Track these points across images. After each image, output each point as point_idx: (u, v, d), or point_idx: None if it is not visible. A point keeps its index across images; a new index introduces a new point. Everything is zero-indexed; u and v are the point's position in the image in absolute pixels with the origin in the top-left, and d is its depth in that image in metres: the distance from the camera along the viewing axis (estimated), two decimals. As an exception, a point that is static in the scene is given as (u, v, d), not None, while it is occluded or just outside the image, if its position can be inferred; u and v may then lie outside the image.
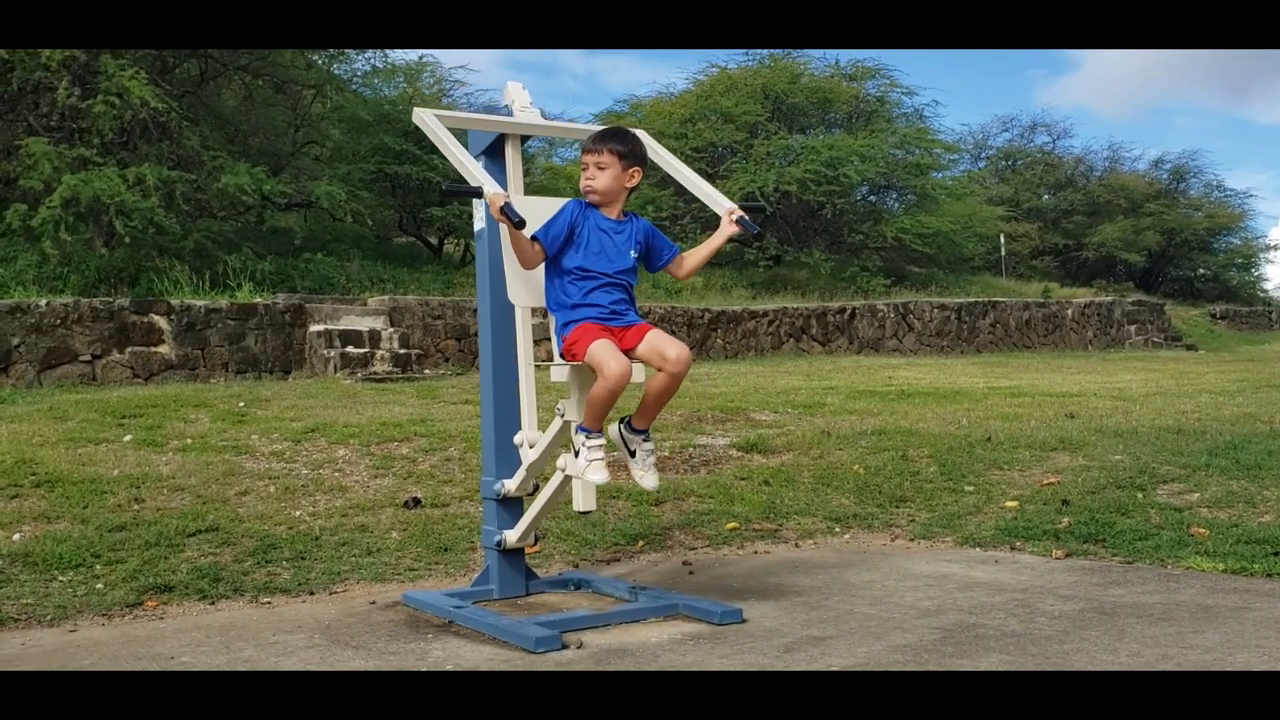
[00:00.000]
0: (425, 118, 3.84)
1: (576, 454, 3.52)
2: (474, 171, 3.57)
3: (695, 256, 3.80)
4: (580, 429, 3.50)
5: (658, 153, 4.02)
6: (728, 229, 3.77)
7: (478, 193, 3.51)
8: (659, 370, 3.44)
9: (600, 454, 3.48)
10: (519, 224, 3.37)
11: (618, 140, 3.64)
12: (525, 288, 3.73)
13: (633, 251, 3.62)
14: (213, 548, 4.51)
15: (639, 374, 3.46)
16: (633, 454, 3.58)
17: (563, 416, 3.58)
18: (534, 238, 3.52)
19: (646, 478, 3.56)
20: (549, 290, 3.63)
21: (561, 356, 3.56)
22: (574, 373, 3.52)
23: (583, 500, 3.55)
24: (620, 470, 3.79)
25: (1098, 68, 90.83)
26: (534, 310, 3.84)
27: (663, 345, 3.44)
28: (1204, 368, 13.95)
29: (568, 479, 3.62)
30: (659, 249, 3.75)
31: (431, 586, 4.15)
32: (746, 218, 3.74)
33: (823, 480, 5.83)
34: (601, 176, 3.60)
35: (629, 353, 3.47)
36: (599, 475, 3.47)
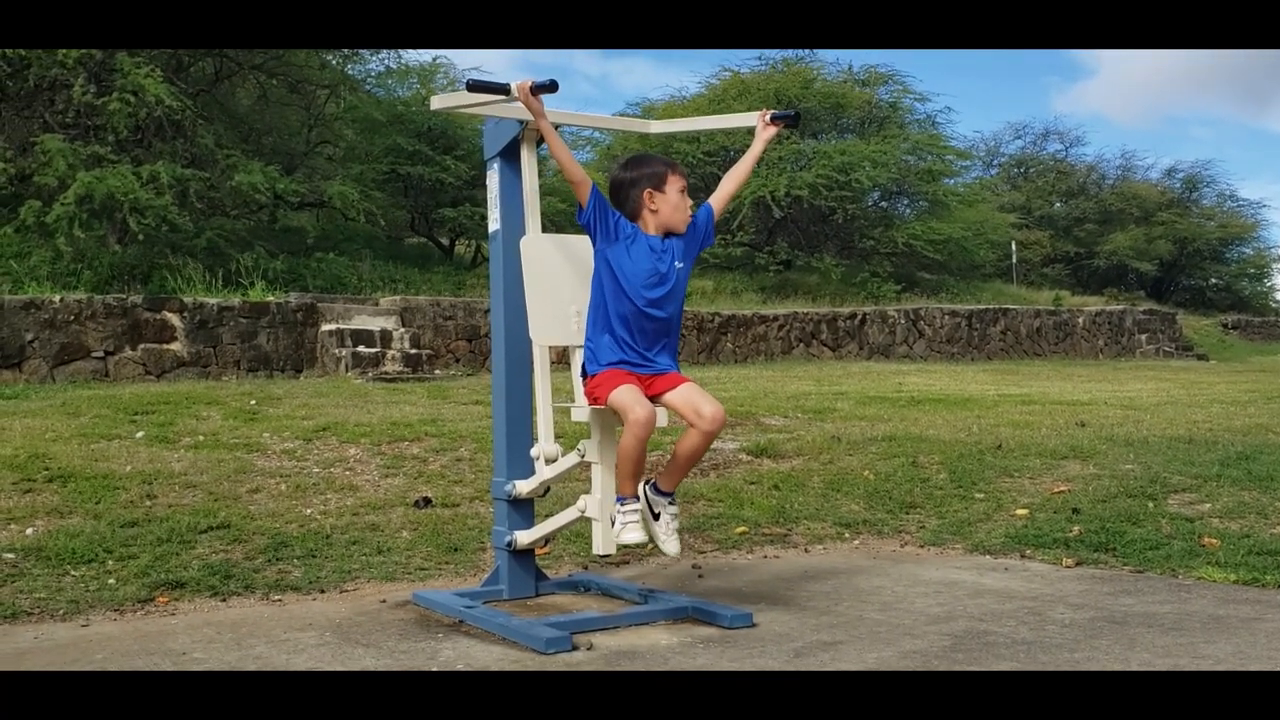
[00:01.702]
0: (444, 97, 3.89)
1: (613, 521, 3.48)
2: (496, 83, 3.61)
3: (739, 167, 3.77)
4: (619, 498, 3.46)
5: (675, 125, 4.14)
6: (766, 131, 3.81)
7: (505, 89, 3.54)
8: (691, 427, 3.41)
9: (635, 517, 3.44)
10: (551, 84, 3.43)
11: None
12: (546, 325, 3.71)
13: (678, 262, 3.56)
14: (224, 545, 4.53)
15: (661, 418, 3.44)
16: (656, 516, 3.53)
17: (583, 456, 3.58)
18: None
19: (669, 543, 3.53)
20: (594, 297, 3.57)
21: (585, 398, 3.54)
22: (595, 414, 3.51)
23: (602, 545, 3.54)
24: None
25: (1113, 74, 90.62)
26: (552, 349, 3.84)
27: (699, 401, 3.40)
28: (1215, 378, 13.90)
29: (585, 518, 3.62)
30: (697, 223, 3.66)
31: (441, 586, 4.16)
32: (779, 112, 3.83)
33: (833, 485, 5.83)
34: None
35: (656, 398, 3.45)
36: (634, 536, 3.43)
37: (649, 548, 4.81)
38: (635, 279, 3.49)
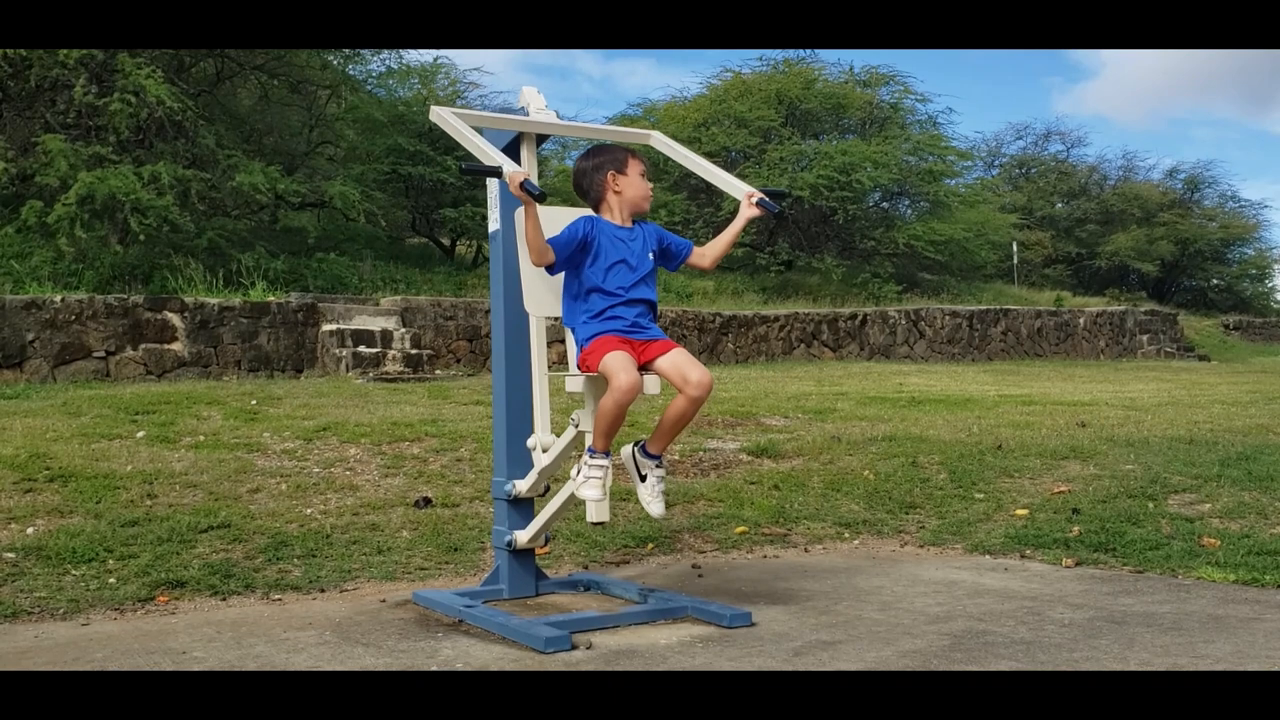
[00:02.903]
0: (443, 114, 3.86)
1: (578, 472, 3.51)
2: (493, 154, 3.58)
3: (718, 244, 3.82)
4: (589, 450, 3.49)
5: (674, 148, 4.12)
6: (748, 211, 3.78)
7: (496, 172, 3.51)
8: (679, 392, 3.42)
9: (598, 473, 3.46)
10: (539, 197, 3.37)
11: None
12: (541, 297, 3.73)
13: (650, 254, 3.64)
14: (224, 544, 4.53)
15: (652, 386, 3.45)
16: (643, 478, 3.55)
17: (576, 426, 3.59)
18: (548, 243, 3.51)
19: (654, 504, 3.53)
20: (570, 309, 3.61)
21: (578, 367, 3.56)
22: (589, 383, 3.51)
23: (595, 512, 3.55)
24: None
25: (1115, 75, 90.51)
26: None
27: (686, 367, 3.42)
28: (1216, 378, 13.90)
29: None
30: (673, 246, 3.75)
31: (441, 586, 4.16)
32: (766, 199, 3.76)
33: (832, 485, 5.83)
34: None
35: (648, 366, 3.47)
36: (591, 491, 3.46)
37: (649, 547, 4.82)
38: (606, 269, 3.53)
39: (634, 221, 3.69)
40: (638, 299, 3.56)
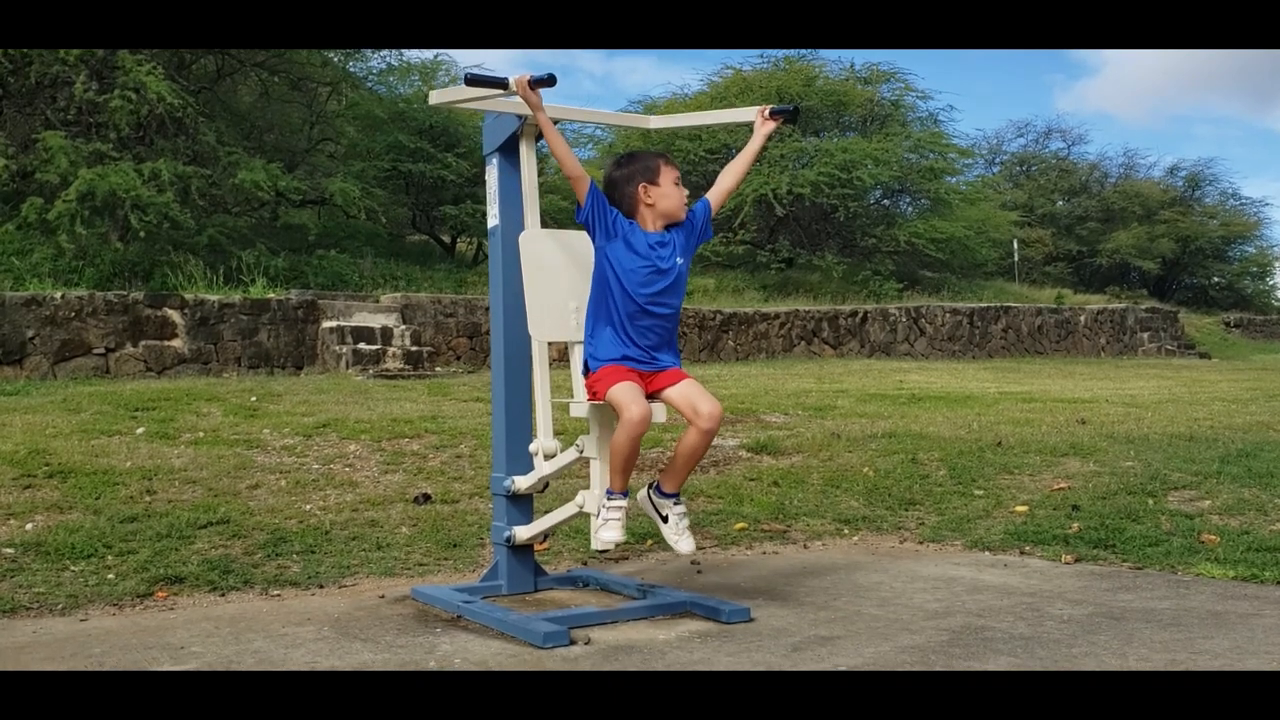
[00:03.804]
0: (442, 92, 3.88)
1: (597, 513, 3.48)
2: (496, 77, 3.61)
3: (738, 164, 3.77)
4: (607, 491, 3.45)
5: (674, 120, 4.30)
6: (764, 126, 3.79)
7: (503, 83, 3.54)
8: (690, 424, 3.40)
9: (618, 514, 3.42)
10: (549, 77, 3.43)
11: None
12: (545, 321, 3.71)
13: (678, 257, 3.55)
14: (223, 540, 4.53)
15: (659, 415, 3.43)
16: (664, 519, 3.51)
17: (581, 452, 3.58)
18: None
19: (682, 542, 3.49)
20: (595, 305, 3.54)
21: (585, 388, 3.53)
22: (594, 410, 3.50)
23: (602, 543, 3.54)
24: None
25: (1116, 72, 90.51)
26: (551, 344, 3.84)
27: (696, 398, 3.39)
28: (1217, 376, 13.89)
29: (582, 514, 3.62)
30: (695, 224, 3.64)
31: (440, 581, 4.16)
32: (777, 107, 3.83)
33: (832, 482, 5.83)
34: None
35: (656, 394, 3.44)
36: (611, 534, 3.42)
37: (649, 543, 4.82)
38: (636, 276, 3.47)
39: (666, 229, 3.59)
40: (659, 314, 3.49)
